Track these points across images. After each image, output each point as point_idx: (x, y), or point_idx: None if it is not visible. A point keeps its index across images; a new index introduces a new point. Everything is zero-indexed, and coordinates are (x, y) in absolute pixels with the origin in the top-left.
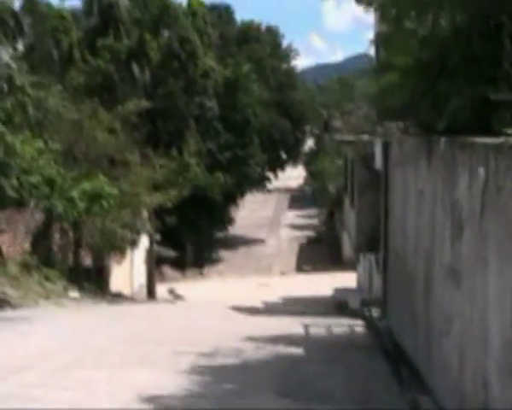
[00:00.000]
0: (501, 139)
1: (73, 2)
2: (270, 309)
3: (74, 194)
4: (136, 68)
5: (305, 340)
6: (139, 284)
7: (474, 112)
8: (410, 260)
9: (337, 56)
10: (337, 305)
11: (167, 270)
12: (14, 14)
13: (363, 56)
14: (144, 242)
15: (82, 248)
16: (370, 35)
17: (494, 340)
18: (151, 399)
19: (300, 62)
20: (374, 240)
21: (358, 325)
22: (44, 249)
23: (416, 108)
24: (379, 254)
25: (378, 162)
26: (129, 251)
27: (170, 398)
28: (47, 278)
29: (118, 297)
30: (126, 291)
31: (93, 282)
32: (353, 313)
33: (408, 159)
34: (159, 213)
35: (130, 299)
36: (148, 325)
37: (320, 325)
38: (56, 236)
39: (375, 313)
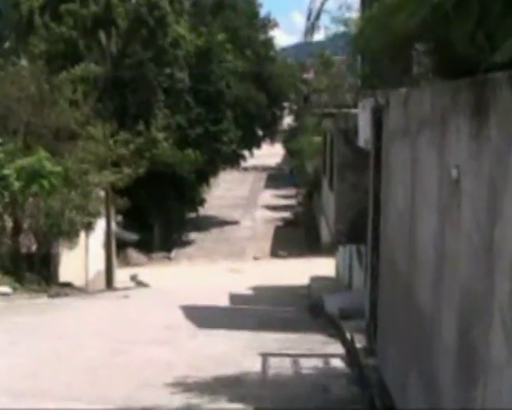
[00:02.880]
0: None
1: None
2: (234, 309)
3: (8, 172)
4: (102, 36)
5: (259, 388)
6: (96, 271)
7: None
8: (424, 292)
9: (320, 35)
10: (312, 307)
11: (132, 253)
12: None
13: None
14: (103, 224)
15: (22, 233)
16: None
17: None
18: None
19: (282, 40)
20: (355, 229)
21: (337, 356)
22: None
23: (444, 32)
24: (361, 245)
25: (362, 138)
26: (83, 235)
27: None
28: None
29: (66, 288)
30: (80, 280)
31: (37, 271)
32: (330, 323)
33: (423, 124)
34: (123, 192)
35: (81, 290)
36: (57, 350)
37: (285, 354)
38: None
39: (359, 335)
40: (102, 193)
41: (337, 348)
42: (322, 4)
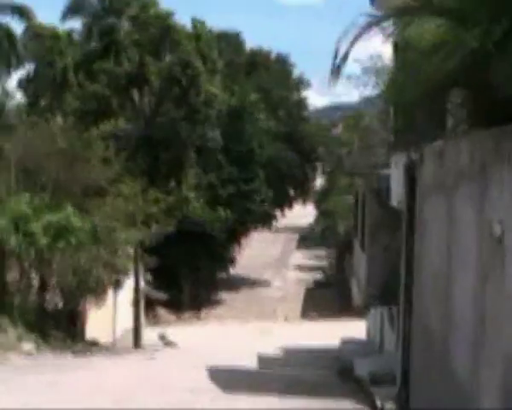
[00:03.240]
0: None
1: (74, 24)
2: (261, 371)
3: (35, 227)
4: (135, 94)
5: None
6: (124, 329)
7: None
8: (461, 358)
9: (352, 97)
10: (341, 370)
11: (161, 312)
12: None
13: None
14: (132, 282)
15: (49, 289)
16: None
17: None
18: None
19: (316, 101)
20: (387, 291)
21: None
22: None
23: (483, 76)
24: (393, 307)
25: (394, 197)
26: (112, 293)
27: None
28: None
29: (92, 346)
30: (107, 338)
31: (63, 329)
32: (360, 388)
33: (460, 177)
34: (152, 250)
35: (107, 348)
36: None
37: None
38: (14, 275)
39: (389, 403)
40: (131, 250)
41: None
42: (352, 43)
